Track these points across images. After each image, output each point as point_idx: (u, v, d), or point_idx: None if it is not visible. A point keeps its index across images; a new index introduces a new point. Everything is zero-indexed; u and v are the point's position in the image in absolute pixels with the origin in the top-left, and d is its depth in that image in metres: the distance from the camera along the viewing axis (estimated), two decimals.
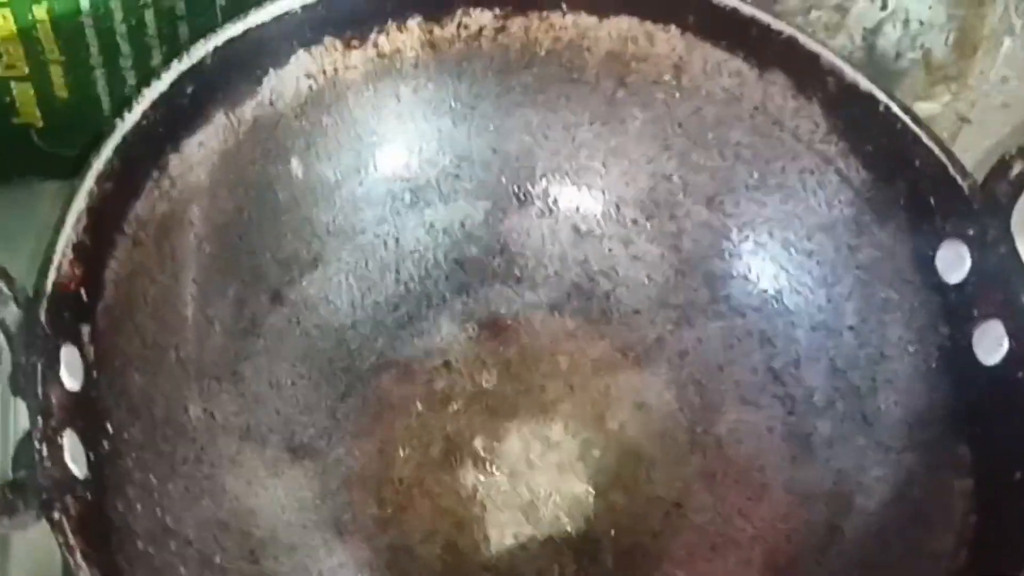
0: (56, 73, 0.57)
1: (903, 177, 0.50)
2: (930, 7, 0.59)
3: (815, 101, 0.52)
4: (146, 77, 0.52)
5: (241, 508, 0.49)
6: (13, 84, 0.57)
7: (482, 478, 0.52)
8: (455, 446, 0.53)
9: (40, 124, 0.59)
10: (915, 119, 0.50)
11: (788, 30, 0.51)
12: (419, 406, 0.54)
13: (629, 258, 0.56)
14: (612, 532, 0.52)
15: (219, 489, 0.49)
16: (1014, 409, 0.46)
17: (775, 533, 0.51)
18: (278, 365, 0.53)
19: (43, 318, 0.43)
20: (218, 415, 0.50)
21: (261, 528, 0.49)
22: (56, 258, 0.44)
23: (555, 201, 0.56)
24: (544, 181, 0.56)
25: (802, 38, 0.51)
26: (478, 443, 0.53)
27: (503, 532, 0.52)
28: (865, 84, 0.50)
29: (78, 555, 0.40)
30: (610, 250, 0.56)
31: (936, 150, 0.49)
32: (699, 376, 0.54)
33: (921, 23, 0.60)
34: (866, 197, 0.52)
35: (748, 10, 0.52)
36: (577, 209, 0.56)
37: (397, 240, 0.55)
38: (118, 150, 0.47)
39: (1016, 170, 0.48)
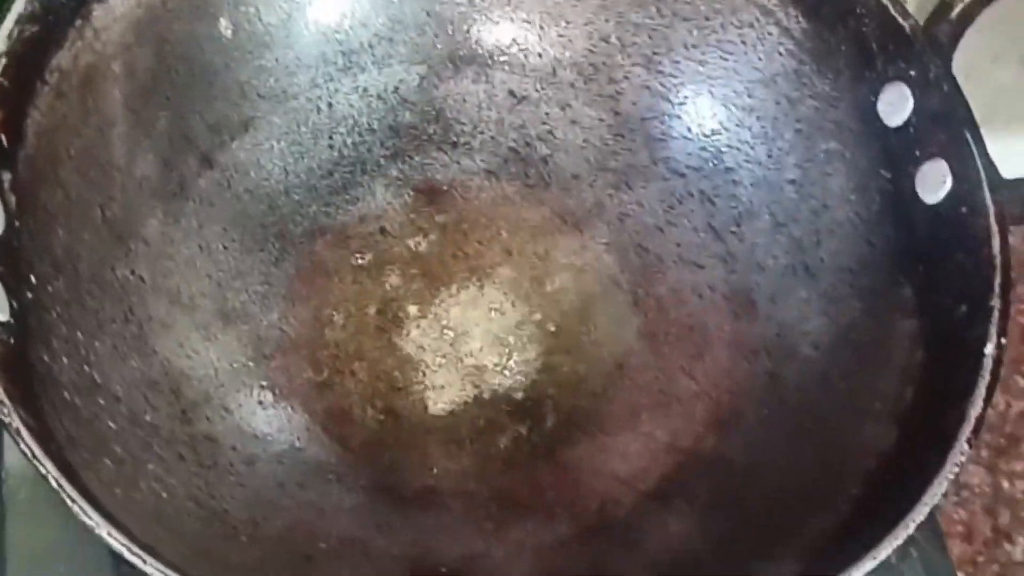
0: None
1: (844, 24, 0.50)
2: None
3: None
4: None
5: (172, 369, 0.48)
6: None
7: (419, 342, 0.51)
8: (392, 311, 0.52)
9: None
10: None
11: None
12: (354, 271, 0.52)
13: (567, 122, 0.55)
14: (554, 393, 0.51)
15: (149, 350, 0.48)
16: (958, 244, 0.46)
17: (718, 388, 0.50)
18: (209, 229, 0.51)
19: None
20: (147, 277, 0.49)
21: (193, 389, 0.48)
22: None
23: (491, 65, 0.55)
24: (480, 45, 0.55)
25: None
26: (415, 308, 0.52)
27: (441, 395, 0.51)
28: None
29: (0, 391, 0.38)
30: (547, 114, 0.55)
31: None
32: (639, 238, 0.54)
33: None
34: (806, 48, 0.51)
35: None
36: (513, 73, 0.55)
37: (330, 105, 0.54)
38: None
39: (957, 10, 0.48)
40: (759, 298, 0.51)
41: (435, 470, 0.49)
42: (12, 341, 0.41)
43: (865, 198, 0.49)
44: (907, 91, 0.48)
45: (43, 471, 0.38)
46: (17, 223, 0.44)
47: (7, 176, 0.44)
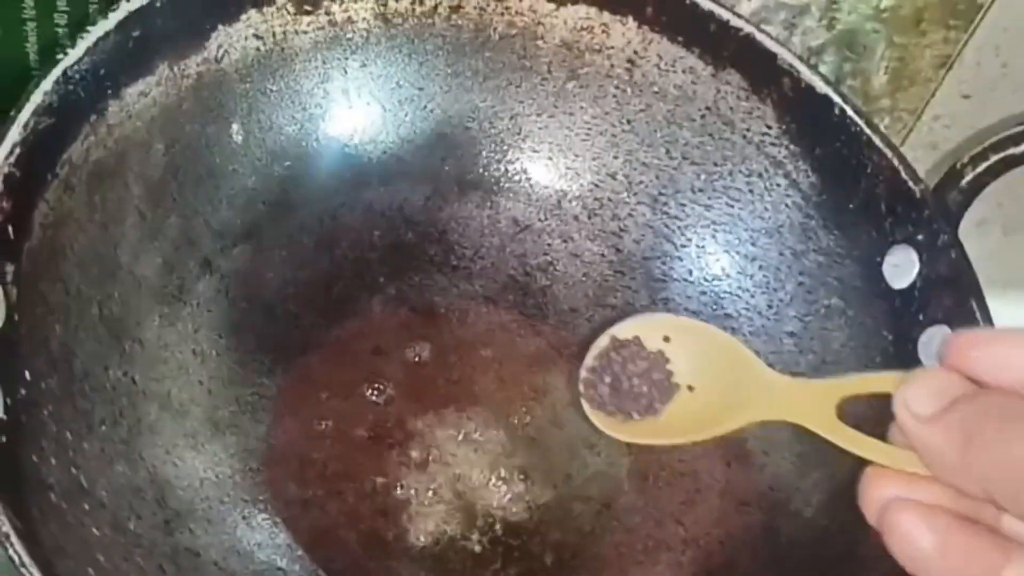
0: None
1: (854, 182, 0.50)
2: (875, 31, 0.59)
3: (769, 102, 0.52)
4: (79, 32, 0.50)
5: (158, 477, 0.47)
6: None
7: (407, 466, 0.50)
8: (381, 432, 0.51)
9: None
10: (870, 123, 0.50)
11: (747, 27, 0.51)
12: (346, 388, 0.51)
13: (568, 255, 0.55)
14: (541, 529, 0.50)
15: (135, 455, 0.46)
16: None
17: (708, 537, 0.50)
18: (204, 334, 0.50)
19: None
20: (139, 379, 0.48)
21: (177, 500, 0.47)
22: None
23: (497, 191, 0.55)
24: (487, 171, 0.55)
25: (760, 36, 0.51)
26: (405, 430, 0.51)
27: (427, 523, 0.50)
28: (821, 86, 0.50)
29: None
30: (549, 245, 0.55)
31: (890, 155, 0.49)
32: None
33: (864, 48, 0.60)
34: (814, 202, 0.51)
35: (708, 5, 0.51)
36: (518, 201, 0.55)
37: (334, 218, 0.54)
38: (57, 84, 0.45)
39: (967, 178, 0.48)
40: (753, 449, 0.51)
41: None
42: (4, 440, 0.40)
43: (865, 357, 0.50)
44: (914, 255, 0.48)
45: None
46: (16, 316, 0.43)
47: (10, 268, 0.43)
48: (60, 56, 0.46)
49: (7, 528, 0.37)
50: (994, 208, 0.70)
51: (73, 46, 0.46)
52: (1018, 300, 0.58)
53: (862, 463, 0.48)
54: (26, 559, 0.37)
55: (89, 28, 0.46)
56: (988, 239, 0.71)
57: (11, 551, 0.37)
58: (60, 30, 0.55)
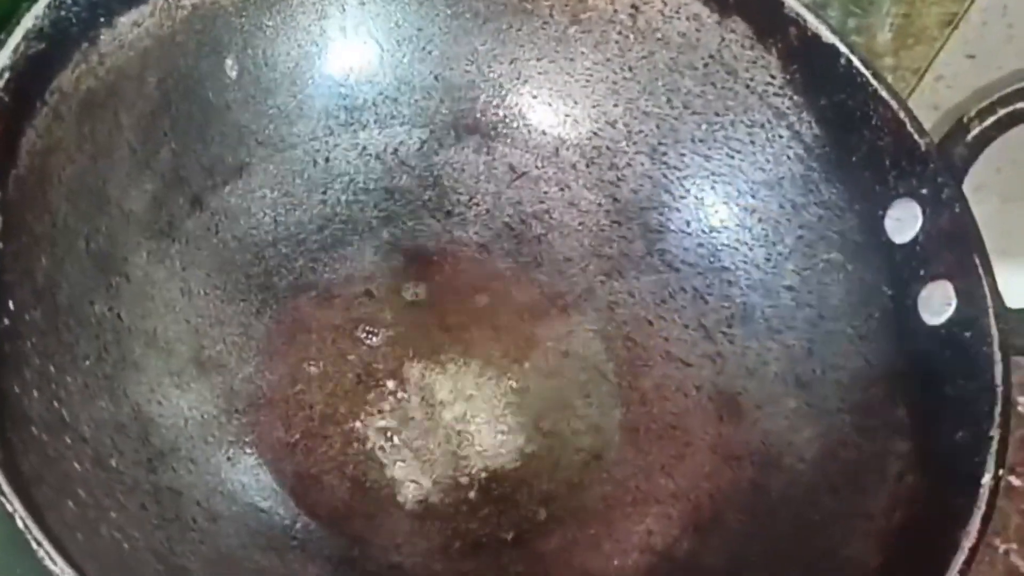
0: None
1: (858, 134, 0.49)
2: None
3: (773, 51, 0.51)
4: None
5: (141, 415, 0.46)
6: None
7: (395, 414, 0.50)
8: (370, 377, 0.50)
9: None
10: (876, 75, 0.49)
11: None
12: (336, 333, 0.51)
13: (564, 203, 0.54)
14: (529, 479, 0.49)
15: (119, 392, 0.46)
16: (958, 370, 0.45)
17: (698, 491, 0.49)
18: (192, 273, 0.49)
19: None
20: (124, 315, 0.47)
21: (161, 438, 0.46)
22: None
23: (494, 137, 0.54)
24: (484, 115, 0.54)
25: None
26: (395, 377, 0.50)
27: (416, 470, 0.49)
28: (827, 35, 0.49)
29: None
30: (546, 193, 0.54)
31: (896, 107, 0.48)
32: (628, 329, 0.53)
33: (870, 3, 0.59)
34: (817, 154, 0.51)
35: None
36: (516, 147, 0.54)
37: (327, 159, 0.53)
38: (49, 9, 0.44)
39: (973, 132, 0.47)
40: (746, 403, 0.50)
41: (402, 547, 0.47)
42: None
43: (864, 313, 0.49)
44: (917, 209, 0.48)
45: (10, 509, 0.36)
46: (1, 245, 0.42)
47: None
48: None
49: None
50: (993, 174, 0.69)
51: None
52: (1015, 268, 0.57)
53: (858, 422, 0.48)
54: (5, 487, 0.36)
55: None
56: (986, 206, 0.70)
57: None
58: None
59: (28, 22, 0.43)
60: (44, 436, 0.41)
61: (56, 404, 0.43)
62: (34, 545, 0.35)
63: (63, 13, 0.44)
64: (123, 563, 0.40)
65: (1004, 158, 0.66)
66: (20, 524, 0.36)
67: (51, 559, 0.35)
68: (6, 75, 0.42)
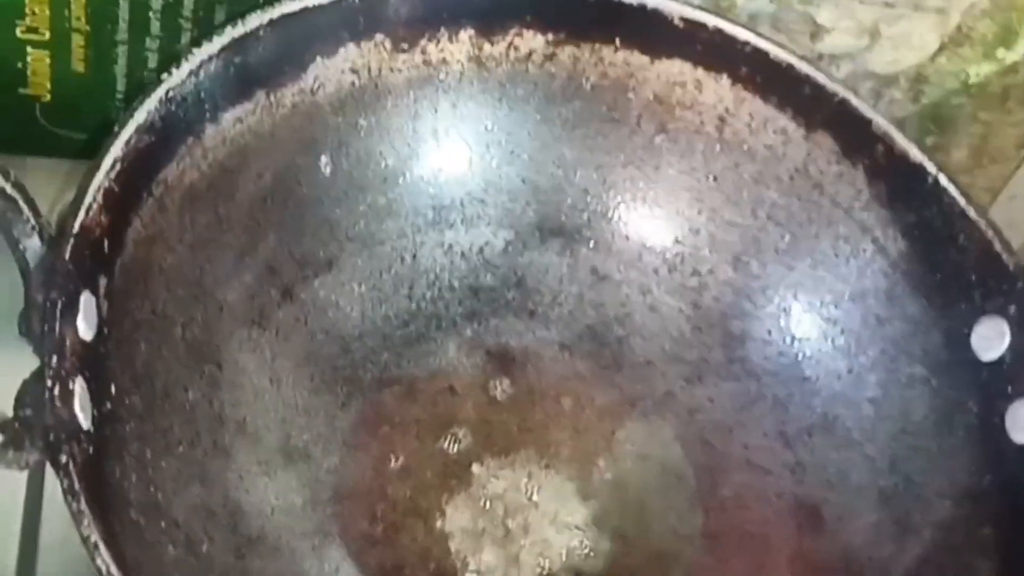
0: (78, 43, 0.54)
1: (944, 251, 0.50)
2: (960, 106, 0.59)
3: (860, 167, 0.52)
4: (168, 62, 0.50)
5: (230, 502, 0.46)
6: (30, 50, 0.54)
7: (477, 510, 0.50)
8: (452, 473, 0.51)
9: (48, 98, 0.56)
10: (963, 193, 0.49)
11: (842, 92, 0.51)
12: (419, 427, 0.51)
13: (646, 308, 0.55)
14: None
15: (211, 478, 0.46)
16: None
17: None
18: (281, 363, 0.50)
19: (68, 256, 0.41)
20: (216, 403, 0.48)
21: (248, 526, 0.46)
22: (87, 200, 0.42)
23: (578, 240, 0.55)
24: (569, 219, 0.55)
25: (855, 101, 0.51)
26: (476, 473, 0.51)
27: (494, 568, 0.49)
28: (915, 154, 0.50)
29: (82, 501, 0.37)
30: (628, 296, 0.55)
31: (983, 225, 0.49)
32: (708, 435, 0.53)
33: (948, 122, 0.60)
34: (902, 269, 0.51)
35: (804, 68, 0.51)
36: (599, 251, 0.55)
37: (414, 256, 0.54)
38: (160, 104, 0.45)
39: None
40: (827, 515, 0.50)
41: None
42: (91, 451, 0.40)
43: (949, 429, 0.49)
44: (1005, 327, 0.48)
45: None
46: (106, 330, 0.43)
47: (103, 281, 0.43)
48: (151, 79, 0.46)
49: (96, 537, 0.36)
50: None
51: (165, 71, 0.46)
52: None
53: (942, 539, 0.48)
54: (113, 569, 0.36)
55: (193, 50, 0.46)
56: None
57: (99, 560, 0.36)
58: (150, 55, 0.55)
59: (140, 116, 0.45)
60: (142, 520, 0.42)
61: (152, 489, 0.43)
62: None
63: (173, 108, 0.46)
64: None
65: None
66: None
67: None
68: (117, 167, 0.43)
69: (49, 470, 0.46)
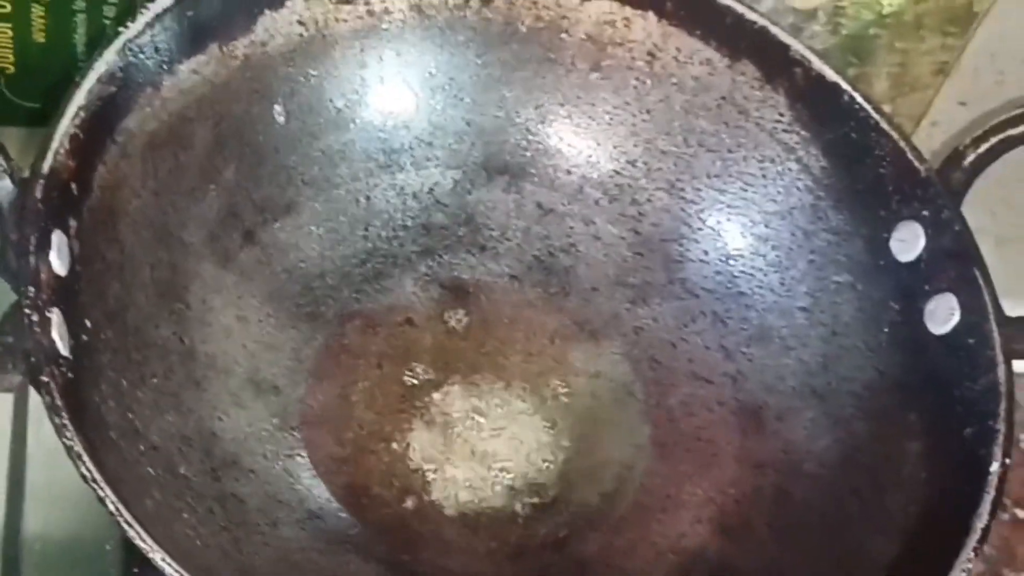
0: (37, 14, 0.57)
1: (862, 164, 0.53)
2: (877, 36, 0.62)
3: (781, 91, 0.55)
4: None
5: (204, 429, 0.49)
6: None
7: (437, 431, 0.53)
8: (413, 397, 0.54)
9: (11, 70, 0.59)
10: (877, 108, 0.53)
11: (761, 20, 0.54)
12: (381, 357, 0.54)
13: (590, 237, 0.58)
14: (564, 490, 0.52)
15: (184, 408, 0.49)
16: (964, 373, 0.49)
17: (725, 497, 0.52)
18: (247, 301, 0.53)
19: (39, 196, 0.43)
20: (186, 339, 0.50)
21: (223, 451, 0.49)
22: (54, 145, 0.45)
23: (522, 177, 0.58)
24: (513, 157, 0.58)
25: (773, 29, 0.54)
26: (436, 397, 0.54)
27: (456, 483, 0.52)
28: (831, 75, 0.54)
29: (64, 415, 0.40)
30: (572, 228, 0.58)
31: (896, 137, 0.52)
32: (653, 352, 0.56)
33: (867, 53, 0.63)
34: (824, 184, 0.54)
35: (725, 0, 0.54)
36: (542, 186, 0.58)
37: (368, 198, 0.56)
38: (120, 55, 0.48)
39: (969, 159, 0.51)
40: (767, 416, 0.54)
41: (450, 553, 0.50)
42: (70, 376, 0.42)
43: (874, 327, 0.52)
44: (920, 230, 0.51)
45: (101, 494, 0.39)
46: (78, 268, 0.45)
47: (73, 223, 0.46)
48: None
49: (79, 448, 0.39)
50: (988, 218, 0.72)
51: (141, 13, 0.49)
52: (1011, 309, 0.61)
53: (872, 428, 0.51)
54: (96, 475, 0.39)
55: (148, 5, 0.49)
56: (983, 248, 0.74)
57: (83, 468, 0.39)
58: (108, 22, 0.58)
59: (100, 67, 0.47)
60: (121, 442, 0.44)
61: (130, 415, 0.46)
62: (124, 526, 0.38)
63: (132, 59, 0.48)
64: (196, 558, 0.43)
65: (999, 203, 0.70)
66: (111, 508, 0.39)
67: (141, 539, 0.38)
68: (81, 114, 0.46)
69: (31, 412, 0.49)
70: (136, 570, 0.49)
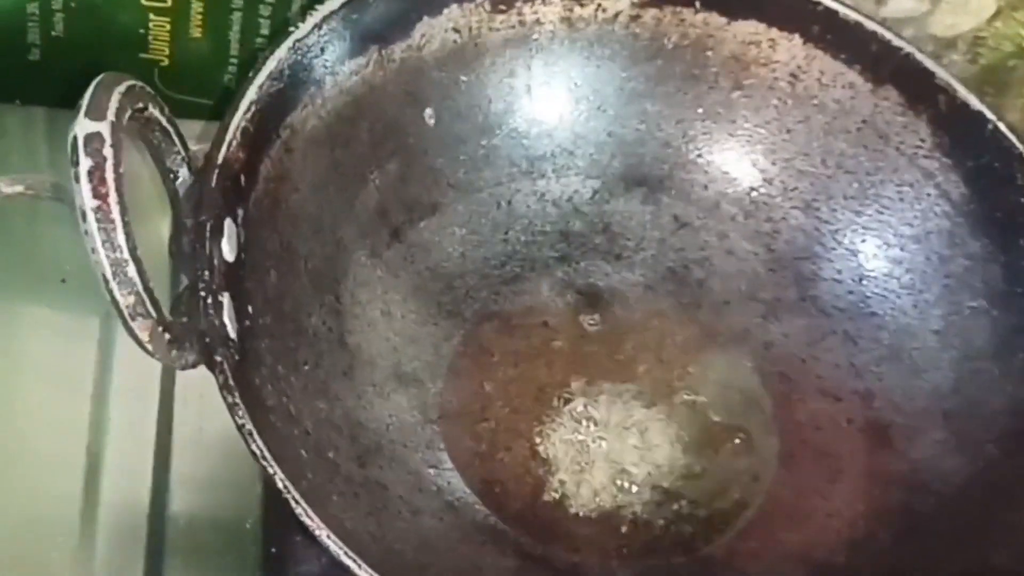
0: (196, 10, 0.59)
1: (1003, 193, 0.54)
2: (1014, 68, 0.63)
3: (923, 117, 0.56)
4: (281, 28, 0.55)
5: (351, 417, 0.51)
6: (152, 16, 0.59)
7: (570, 430, 0.54)
8: (548, 398, 0.55)
9: (166, 63, 0.61)
10: (1020, 139, 0.53)
11: (907, 47, 0.55)
12: (517, 357, 0.55)
13: (724, 251, 0.59)
14: (693, 496, 0.53)
15: (332, 395, 0.51)
16: None
17: (851, 510, 0.53)
18: (391, 297, 0.54)
19: (214, 185, 0.45)
20: (335, 329, 0.52)
21: (368, 439, 0.51)
22: (228, 136, 0.47)
23: (660, 189, 0.59)
24: (652, 169, 0.59)
25: (919, 55, 0.55)
26: (568, 399, 0.55)
27: (587, 482, 0.53)
28: (975, 103, 0.54)
29: (236, 395, 0.41)
30: (706, 241, 0.59)
31: None
32: (782, 367, 0.57)
33: (1003, 83, 0.64)
34: (963, 211, 0.55)
35: (871, 26, 0.56)
36: (679, 200, 0.59)
37: (510, 203, 0.58)
38: (289, 53, 0.49)
39: None
40: (895, 435, 0.54)
41: (580, 549, 0.51)
42: (237, 358, 0.44)
43: (1008, 353, 0.53)
44: None
45: (271, 470, 0.41)
46: (243, 255, 0.47)
47: (240, 212, 0.47)
48: (263, 46, 0.50)
49: (250, 425, 0.41)
50: None
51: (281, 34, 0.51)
52: None
53: (1002, 449, 0.52)
54: (267, 453, 0.41)
55: (317, 7, 0.51)
56: None
57: (254, 446, 0.41)
58: (262, 21, 0.60)
59: (271, 64, 0.49)
60: (278, 424, 0.46)
61: (285, 399, 0.48)
62: (292, 504, 0.40)
63: (299, 58, 0.50)
64: (347, 540, 0.45)
65: None
66: (280, 484, 0.40)
67: (308, 516, 0.40)
68: (252, 108, 0.48)
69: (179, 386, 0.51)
70: (274, 549, 0.51)
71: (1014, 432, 0.52)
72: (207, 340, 0.43)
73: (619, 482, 0.53)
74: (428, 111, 0.56)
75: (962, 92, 0.55)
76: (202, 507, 0.53)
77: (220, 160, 0.46)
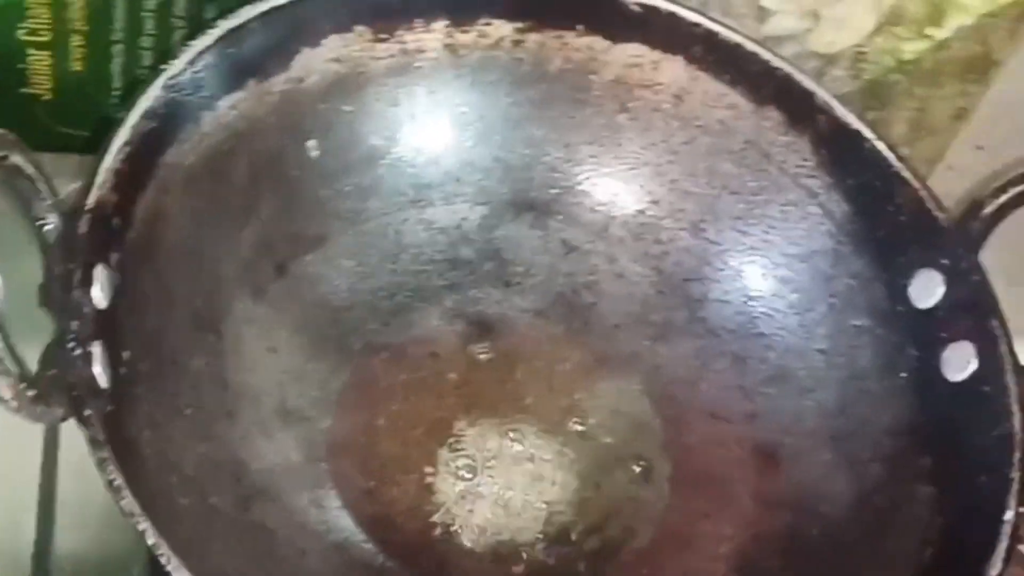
0: (76, 43, 0.58)
1: (883, 211, 0.54)
2: (896, 82, 0.64)
3: (805, 137, 0.56)
4: (162, 58, 0.54)
5: (235, 459, 0.50)
6: (31, 51, 0.58)
7: (461, 463, 0.54)
8: (438, 431, 0.55)
9: (49, 96, 0.60)
10: (899, 157, 0.54)
11: (786, 68, 0.55)
12: (406, 389, 0.55)
13: (613, 275, 0.59)
14: (583, 524, 0.54)
15: (216, 437, 0.50)
16: (979, 421, 0.50)
17: (740, 535, 0.53)
18: (277, 332, 0.54)
19: (84, 230, 0.45)
20: (218, 369, 0.51)
21: (252, 480, 0.50)
22: (99, 179, 0.46)
23: (548, 214, 0.59)
24: (539, 194, 0.59)
25: (798, 76, 0.55)
26: (459, 431, 0.55)
27: (480, 516, 0.53)
28: (854, 122, 0.55)
29: (106, 449, 0.41)
30: (595, 265, 0.59)
31: (916, 185, 0.53)
32: (672, 389, 0.57)
33: (886, 98, 0.64)
34: (846, 229, 0.55)
35: (752, 47, 0.56)
36: (568, 224, 0.59)
37: (397, 232, 0.58)
38: (163, 91, 0.49)
39: (989, 209, 0.52)
40: (783, 456, 0.55)
41: None
42: (110, 408, 0.43)
43: (891, 372, 0.53)
44: (939, 278, 0.53)
45: (141, 527, 0.40)
46: (118, 300, 0.46)
47: (115, 256, 0.47)
48: (145, 76, 0.50)
49: (120, 481, 0.40)
50: (998, 259, 0.74)
51: (162, 64, 0.50)
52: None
53: (887, 471, 0.52)
54: (137, 510, 0.40)
55: (190, 43, 0.50)
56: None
57: (124, 502, 0.40)
58: (144, 53, 0.59)
59: (144, 103, 0.49)
60: (156, 473, 0.46)
61: (164, 446, 0.47)
62: (164, 560, 0.40)
63: (174, 96, 0.50)
64: None
65: (1009, 245, 0.71)
66: (151, 540, 0.40)
67: (179, 571, 0.39)
68: (126, 149, 0.47)
69: (62, 434, 0.50)
70: None
71: (896, 453, 0.52)
72: (74, 394, 0.42)
73: (511, 514, 0.53)
74: (311, 143, 0.56)
75: (840, 111, 0.55)
76: (88, 548, 0.52)
77: (90, 204, 0.45)
